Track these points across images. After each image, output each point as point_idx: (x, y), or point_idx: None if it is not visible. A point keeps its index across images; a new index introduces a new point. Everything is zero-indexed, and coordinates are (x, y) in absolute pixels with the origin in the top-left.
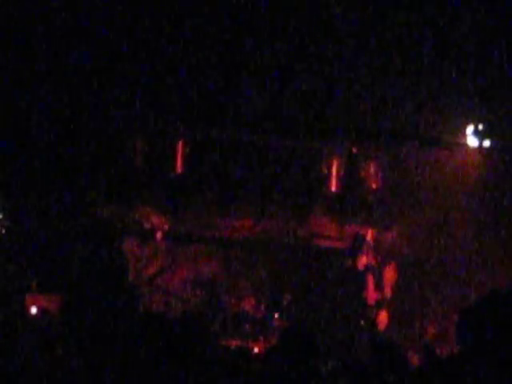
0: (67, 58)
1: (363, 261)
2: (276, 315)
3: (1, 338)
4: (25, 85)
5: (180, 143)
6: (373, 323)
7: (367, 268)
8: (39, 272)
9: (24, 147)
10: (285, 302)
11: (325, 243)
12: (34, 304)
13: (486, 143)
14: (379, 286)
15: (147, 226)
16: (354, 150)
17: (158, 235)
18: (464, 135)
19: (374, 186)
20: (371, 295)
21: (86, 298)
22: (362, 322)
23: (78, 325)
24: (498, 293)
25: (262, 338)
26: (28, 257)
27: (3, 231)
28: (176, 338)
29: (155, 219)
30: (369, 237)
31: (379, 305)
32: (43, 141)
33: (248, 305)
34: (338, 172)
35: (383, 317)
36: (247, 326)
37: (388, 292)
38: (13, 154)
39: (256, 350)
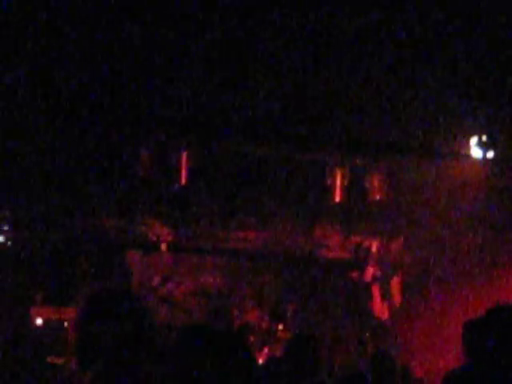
0: (70, 69)
1: (370, 272)
2: (280, 326)
3: (7, 349)
4: (32, 97)
5: (184, 155)
6: (377, 334)
7: (374, 279)
8: (44, 284)
9: (30, 160)
10: (289, 313)
11: (329, 254)
12: (38, 316)
13: (490, 154)
14: (387, 297)
15: (151, 237)
16: (358, 161)
17: (163, 246)
18: (468, 146)
19: (377, 196)
20: (377, 306)
21: (98, 312)
22: (367, 334)
23: (92, 338)
24: (504, 307)
25: (266, 349)
26: (33, 269)
27: (9, 243)
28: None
29: (159, 230)
30: (373, 248)
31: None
32: (48, 154)
33: (252, 316)
34: (341, 183)
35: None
36: (251, 337)
37: (396, 302)
38: (18, 167)
39: (260, 360)
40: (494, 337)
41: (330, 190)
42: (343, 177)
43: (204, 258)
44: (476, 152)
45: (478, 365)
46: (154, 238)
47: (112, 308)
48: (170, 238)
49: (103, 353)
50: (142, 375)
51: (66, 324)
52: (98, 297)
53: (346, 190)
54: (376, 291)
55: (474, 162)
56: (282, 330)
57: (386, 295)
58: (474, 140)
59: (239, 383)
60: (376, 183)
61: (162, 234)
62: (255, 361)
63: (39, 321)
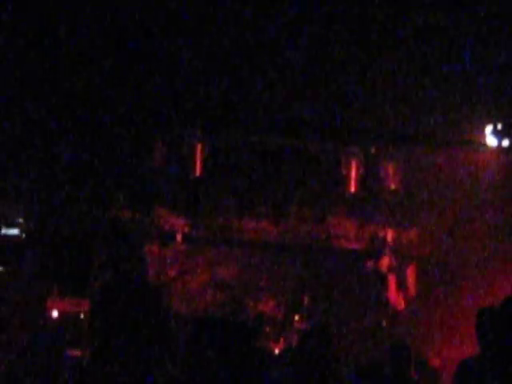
0: (88, 63)
1: (386, 262)
2: (296, 317)
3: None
4: (48, 92)
5: (199, 146)
6: (394, 324)
7: (390, 269)
8: (60, 276)
9: (46, 154)
10: (305, 304)
11: (344, 244)
12: (54, 308)
13: (505, 142)
14: (403, 286)
15: (167, 228)
16: (373, 151)
17: (178, 238)
18: (483, 135)
19: (392, 186)
20: (393, 296)
21: (113, 303)
22: (384, 323)
23: (107, 329)
24: None
25: (282, 339)
26: (48, 261)
27: (24, 236)
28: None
29: (175, 222)
30: (389, 237)
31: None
32: (64, 146)
33: (268, 307)
34: (356, 173)
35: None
36: (267, 327)
37: (412, 291)
38: (35, 161)
39: (277, 351)
40: (508, 326)
41: (345, 180)
42: (358, 167)
43: (219, 250)
44: (491, 140)
45: (490, 353)
46: (170, 230)
47: (126, 298)
48: (185, 230)
49: (117, 343)
50: (156, 365)
51: (82, 316)
52: (112, 287)
53: (361, 180)
54: (392, 281)
55: (490, 150)
56: (298, 321)
57: (401, 285)
58: (489, 128)
59: (247, 373)
60: (391, 173)
61: (177, 225)
62: (263, 352)
63: (55, 313)
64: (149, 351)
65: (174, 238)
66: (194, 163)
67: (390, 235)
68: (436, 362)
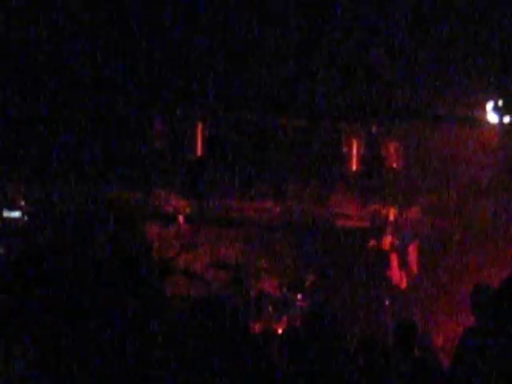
0: (86, 40)
1: (388, 241)
2: (299, 296)
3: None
4: (47, 66)
5: (199, 125)
6: (396, 302)
7: (392, 247)
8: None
9: (45, 134)
10: (307, 283)
11: (346, 223)
12: None
13: (507, 119)
14: (405, 265)
15: (168, 209)
16: (374, 129)
17: (180, 219)
18: (484, 111)
19: (394, 164)
20: (396, 275)
21: (110, 282)
22: (387, 302)
23: (101, 308)
24: None
25: (285, 318)
26: (50, 242)
27: (26, 217)
28: (207, 320)
29: (176, 202)
30: (391, 216)
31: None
32: (63, 126)
33: (270, 286)
34: (358, 151)
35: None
36: (270, 307)
37: (414, 270)
38: (34, 141)
39: (280, 331)
40: (507, 306)
41: (346, 159)
42: (359, 145)
43: (221, 230)
44: (492, 117)
45: (488, 328)
46: (171, 211)
47: (125, 277)
48: (186, 210)
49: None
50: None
51: None
52: (109, 265)
53: (363, 159)
54: (394, 259)
55: (491, 126)
56: (300, 300)
57: (403, 263)
58: (490, 105)
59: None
60: (392, 151)
61: (178, 205)
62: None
63: None
64: (146, 326)
65: (175, 218)
66: (195, 143)
67: (392, 213)
68: (439, 341)
